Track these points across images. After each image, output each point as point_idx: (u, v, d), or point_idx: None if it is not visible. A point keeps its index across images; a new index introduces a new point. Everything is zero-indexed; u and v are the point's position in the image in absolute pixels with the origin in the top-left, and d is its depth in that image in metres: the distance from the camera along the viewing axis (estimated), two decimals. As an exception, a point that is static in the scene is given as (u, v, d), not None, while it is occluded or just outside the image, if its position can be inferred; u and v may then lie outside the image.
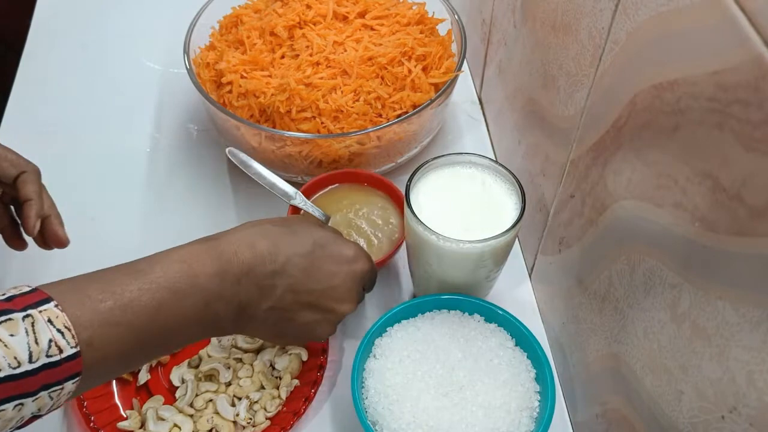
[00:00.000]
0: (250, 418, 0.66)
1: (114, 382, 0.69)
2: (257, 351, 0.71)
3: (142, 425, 0.66)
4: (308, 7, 0.85)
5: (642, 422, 0.54)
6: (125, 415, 0.67)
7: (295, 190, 0.74)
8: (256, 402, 0.67)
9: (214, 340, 0.72)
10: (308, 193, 0.76)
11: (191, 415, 0.67)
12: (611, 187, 0.56)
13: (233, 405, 0.67)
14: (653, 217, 0.50)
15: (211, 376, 0.69)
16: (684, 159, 0.45)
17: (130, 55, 1.03)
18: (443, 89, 0.80)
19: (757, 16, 0.36)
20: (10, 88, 0.97)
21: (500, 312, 0.64)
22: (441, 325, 0.64)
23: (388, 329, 0.64)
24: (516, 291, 0.78)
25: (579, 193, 0.63)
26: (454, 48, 0.87)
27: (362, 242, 0.73)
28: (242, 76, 0.81)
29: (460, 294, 0.65)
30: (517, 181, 0.64)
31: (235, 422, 0.66)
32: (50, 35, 1.06)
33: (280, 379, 0.69)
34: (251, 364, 0.70)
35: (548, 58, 0.68)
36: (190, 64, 0.83)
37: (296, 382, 0.69)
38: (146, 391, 0.70)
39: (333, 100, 0.78)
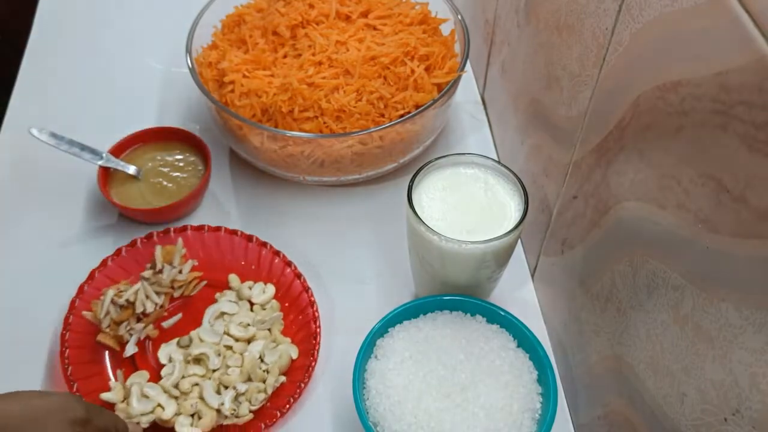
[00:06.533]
0: (234, 409, 0.65)
1: (106, 352, 0.70)
2: (249, 341, 0.70)
3: (125, 398, 0.65)
4: (311, 6, 0.85)
5: (644, 424, 0.54)
6: (111, 386, 0.67)
7: (103, 151, 0.82)
8: (242, 394, 0.66)
9: (206, 323, 0.71)
10: (116, 154, 0.84)
11: (176, 397, 0.66)
12: (614, 188, 0.56)
13: (219, 393, 0.66)
14: (656, 219, 0.49)
15: (199, 360, 0.68)
16: (687, 160, 0.45)
17: (133, 54, 1.03)
18: (446, 89, 0.80)
19: (761, 17, 0.36)
20: (12, 87, 0.97)
21: (502, 313, 0.64)
22: (443, 326, 0.63)
23: (389, 330, 0.64)
24: (518, 292, 0.78)
25: (582, 194, 0.62)
26: (457, 48, 0.87)
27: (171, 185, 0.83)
28: (244, 76, 0.81)
29: (462, 295, 0.65)
30: (520, 182, 0.64)
31: (218, 410, 0.65)
32: (53, 34, 1.06)
33: (268, 372, 0.68)
34: (241, 354, 0.69)
35: (552, 58, 0.67)
36: (192, 64, 0.83)
37: (283, 378, 0.68)
38: (132, 364, 0.69)
39: (335, 100, 0.78)
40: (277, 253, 0.77)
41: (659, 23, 0.46)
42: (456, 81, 0.81)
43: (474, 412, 0.58)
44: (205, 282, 0.76)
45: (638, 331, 0.53)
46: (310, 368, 0.68)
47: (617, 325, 0.57)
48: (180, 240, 0.76)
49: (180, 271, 0.74)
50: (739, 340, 0.41)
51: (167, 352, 0.69)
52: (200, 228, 0.78)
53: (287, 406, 0.65)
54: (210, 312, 0.72)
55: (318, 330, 0.70)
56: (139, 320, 0.71)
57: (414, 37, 0.82)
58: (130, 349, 0.69)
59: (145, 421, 0.64)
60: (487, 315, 0.64)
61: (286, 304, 0.74)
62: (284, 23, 0.83)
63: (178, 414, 0.65)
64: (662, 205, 0.48)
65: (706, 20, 0.41)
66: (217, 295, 0.74)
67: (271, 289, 0.75)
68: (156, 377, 0.68)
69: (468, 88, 0.98)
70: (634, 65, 0.51)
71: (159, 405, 0.65)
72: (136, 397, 0.65)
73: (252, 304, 0.74)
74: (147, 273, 0.73)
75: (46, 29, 1.06)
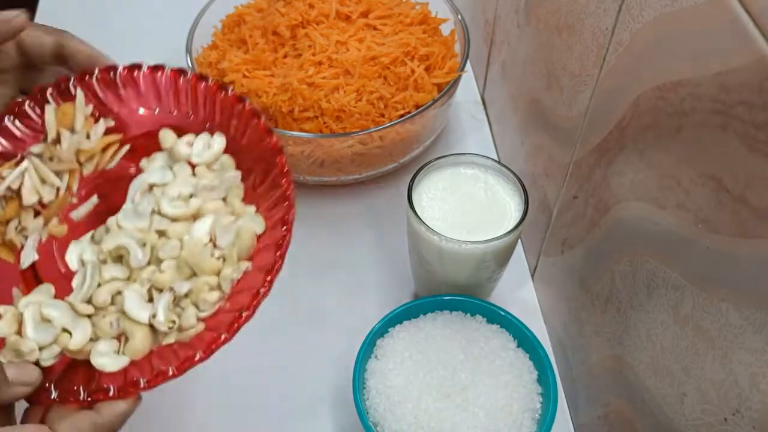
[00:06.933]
0: (174, 321, 0.45)
1: None
2: (195, 218, 0.49)
3: (20, 329, 0.46)
4: (311, 6, 0.85)
5: (644, 424, 0.54)
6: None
7: None
8: (184, 296, 0.46)
9: (128, 203, 0.50)
10: None
11: (89, 316, 0.46)
12: (614, 189, 0.56)
13: (150, 301, 0.46)
14: (656, 219, 0.49)
15: (121, 257, 0.48)
16: (687, 160, 0.45)
17: (132, 54, 1.02)
18: (446, 89, 0.80)
19: (761, 17, 0.36)
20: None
21: (502, 313, 0.64)
22: (443, 326, 0.63)
23: (389, 330, 0.64)
24: (518, 292, 0.78)
25: (582, 194, 0.62)
26: (457, 48, 0.87)
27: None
28: (244, 76, 0.81)
29: (462, 295, 0.65)
30: (520, 182, 0.64)
31: (152, 326, 0.45)
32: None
33: (224, 260, 0.47)
34: (180, 240, 0.48)
35: (552, 58, 0.67)
36: (192, 64, 0.83)
37: (247, 265, 0.47)
38: (33, 278, 0.49)
39: (335, 100, 0.78)
40: (222, 87, 0.52)
41: (659, 23, 0.46)
42: (456, 81, 0.81)
43: (474, 412, 0.58)
44: (127, 147, 0.53)
45: (638, 331, 0.53)
46: (284, 242, 0.46)
47: (617, 325, 0.57)
48: (80, 93, 0.52)
49: (87, 136, 0.52)
50: (740, 340, 0.41)
51: (78, 252, 0.48)
52: (110, 69, 0.55)
53: (255, 303, 0.44)
54: (134, 187, 0.51)
55: (291, 186, 0.48)
56: (37, 214, 0.50)
57: (414, 37, 0.82)
58: (28, 257, 0.49)
59: (46, 357, 0.45)
60: (487, 315, 0.64)
61: (245, 160, 0.51)
62: (284, 23, 0.83)
63: (94, 339, 0.46)
64: (662, 205, 0.48)
65: (706, 20, 0.41)
66: (143, 162, 0.52)
67: (219, 140, 0.52)
68: (68, 290, 0.47)
69: (468, 88, 0.98)
70: (634, 65, 0.51)
71: (65, 330, 0.45)
72: (32, 323, 0.45)
73: (193, 166, 0.52)
74: (37, 147, 0.51)
75: (46, 29, 1.06)
